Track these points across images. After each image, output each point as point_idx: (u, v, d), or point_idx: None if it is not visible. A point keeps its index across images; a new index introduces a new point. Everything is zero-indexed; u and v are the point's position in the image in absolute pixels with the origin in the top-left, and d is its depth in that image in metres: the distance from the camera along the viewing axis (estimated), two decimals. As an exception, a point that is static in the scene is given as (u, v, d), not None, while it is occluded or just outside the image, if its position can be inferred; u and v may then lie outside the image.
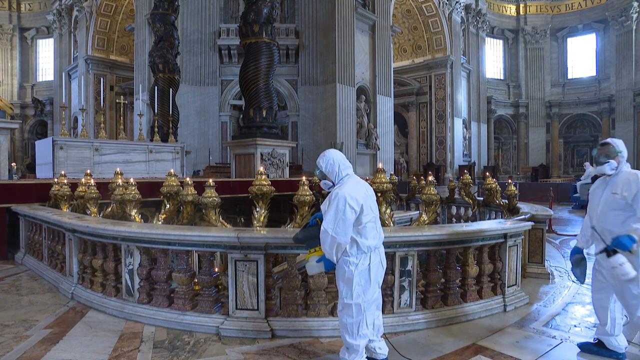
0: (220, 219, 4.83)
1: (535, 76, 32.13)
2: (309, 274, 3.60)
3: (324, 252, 2.87)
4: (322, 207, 2.87)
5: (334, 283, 3.93)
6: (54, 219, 5.42)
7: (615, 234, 2.88)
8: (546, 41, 32.01)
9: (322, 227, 2.79)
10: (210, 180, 4.86)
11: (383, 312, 3.86)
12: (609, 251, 2.86)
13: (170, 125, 12.53)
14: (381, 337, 3.13)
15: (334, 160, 2.92)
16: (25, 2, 30.55)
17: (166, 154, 10.92)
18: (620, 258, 2.78)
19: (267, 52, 12.06)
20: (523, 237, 4.86)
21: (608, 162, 3.02)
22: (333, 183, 2.93)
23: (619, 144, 3.05)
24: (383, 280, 3.92)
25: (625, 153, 3.04)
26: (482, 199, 7.52)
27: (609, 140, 3.10)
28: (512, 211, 6.28)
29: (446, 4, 25.94)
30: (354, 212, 2.73)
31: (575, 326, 3.89)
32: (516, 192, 6.58)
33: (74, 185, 6.67)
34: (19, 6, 30.43)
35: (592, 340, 3.32)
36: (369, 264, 2.83)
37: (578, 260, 3.17)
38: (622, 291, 2.99)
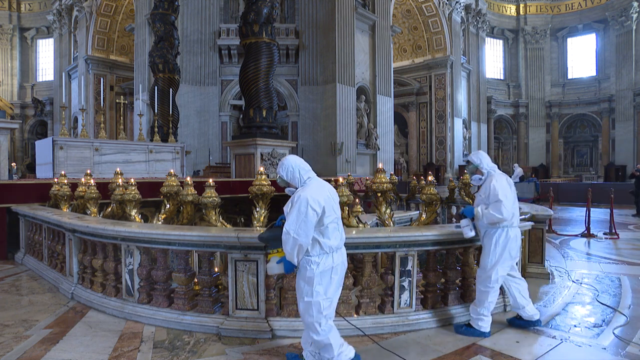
0: (220, 219, 4.83)
1: (535, 76, 32.13)
2: (269, 274, 3.59)
3: (285, 253, 2.87)
4: (284, 209, 2.88)
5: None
6: (54, 219, 5.42)
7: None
8: (546, 41, 32.01)
9: (284, 229, 2.80)
10: (210, 180, 4.85)
11: (383, 312, 3.88)
12: (460, 215, 3.92)
13: (170, 125, 12.53)
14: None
15: (293, 167, 2.95)
16: (25, 2, 30.56)
17: (166, 154, 10.92)
18: (463, 221, 3.78)
19: (267, 52, 12.07)
20: (523, 237, 4.86)
21: (472, 177, 3.96)
22: (296, 188, 2.95)
23: (473, 158, 3.90)
24: (383, 280, 3.96)
25: (480, 162, 3.86)
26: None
27: (468, 158, 4.01)
28: (512, 211, 6.27)
29: (446, 4, 25.94)
30: (316, 214, 2.75)
31: (575, 326, 3.89)
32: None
33: (74, 185, 6.67)
34: (19, 6, 30.43)
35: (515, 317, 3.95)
36: (332, 264, 2.86)
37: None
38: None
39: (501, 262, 3.67)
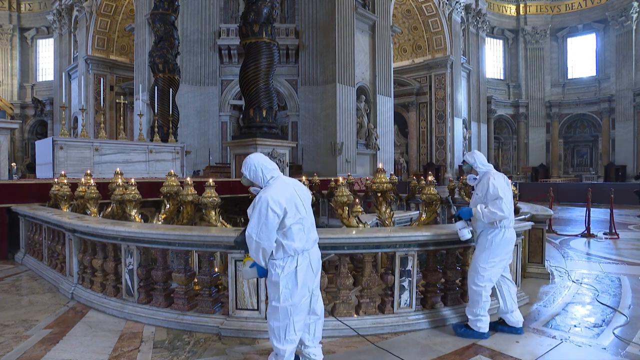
0: (220, 219, 4.83)
1: (535, 76, 32.13)
2: (245, 279, 3.55)
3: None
4: (248, 211, 2.79)
5: (333, 283, 3.94)
6: (54, 219, 5.42)
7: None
8: (546, 41, 32.01)
9: (246, 232, 2.73)
10: (210, 180, 4.85)
11: (383, 312, 3.87)
12: (455, 217, 3.75)
13: (170, 125, 12.53)
14: (319, 343, 3.05)
15: (255, 165, 2.86)
16: (25, 2, 30.56)
17: (166, 154, 10.92)
18: (459, 223, 3.69)
19: (267, 52, 12.06)
20: (523, 237, 4.86)
21: (468, 176, 3.94)
22: (261, 188, 2.86)
23: (468, 158, 3.84)
24: (383, 280, 3.95)
25: (475, 161, 3.81)
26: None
27: (464, 157, 3.97)
28: (512, 211, 6.27)
29: (446, 4, 25.94)
30: (277, 216, 2.65)
31: (575, 326, 3.89)
32: (516, 192, 6.57)
33: (74, 185, 6.67)
34: (19, 6, 30.44)
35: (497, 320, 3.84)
36: (296, 267, 2.74)
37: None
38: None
39: (497, 262, 3.62)
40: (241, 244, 2.89)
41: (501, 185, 3.61)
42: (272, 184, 2.81)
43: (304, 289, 2.78)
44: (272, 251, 2.74)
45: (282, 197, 2.70)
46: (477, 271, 3.65)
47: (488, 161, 3.91)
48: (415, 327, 3.82)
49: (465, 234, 3.66)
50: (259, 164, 2.86)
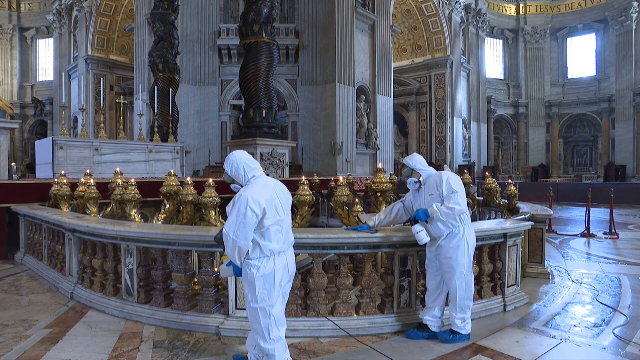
0: (220, 219, 4.83)
1: (535, 76, 32.13)
2: (222, 277, 3.53)
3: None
4: (227, 208, 2.78)
5: (333, 283, 3.94)
6: (54, 219, 5.42)
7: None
8: (546, 41, 32.01)
9: (224, 230, 2.72)
10: (210, 180, 4.86)
11: (383, 312, 3.88)
12: (411, 220, 3.57)
13: (170, 125, 12.53)
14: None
15: (238, 163, 2.83)
16: (25, 2, 30.55)
17: (166, 154, 10.92)
18: (417, 226, 3.49)
19: (267, 52, 12.07)
20: (523, 237, 4.86)
21: (409, 180, 3.75)
22: (242, 186, 2.85)
23: (409, 161, 3.70)
24: (383, 280, 3.95)
25: (416, 164, 3.69)
26: (482, 199, 7.52)
27: (403, 161, 3.79)
28: (512, 211, 6.28)
29: (446, 4, 25.94)
30: (255, 216, 2.64)
31: (575, 326, 3.89)
32: (516, 192, 6.58)
33: (74, 185, 6.67)
34: (19, 6, 30.43)
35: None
36: (273, 268, 2.73)
37: None
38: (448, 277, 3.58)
39: (470, 262, 3.57)
40: (220, 242, 2.88)
41: (455, 180, 3.50)
42: (253, 183, 2.80)
43: (279, 289, 2.79)
44: (249, 251, 2.73)
45: (262, 197, 2.69)
46: (463, 277, 3.52)
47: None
48: (415, 327, 3.81)
49: (424, 237, 3.46)
50: (242, 162, 2.84)
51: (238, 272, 2.82)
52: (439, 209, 3.42)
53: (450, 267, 3.53)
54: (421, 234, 3.46)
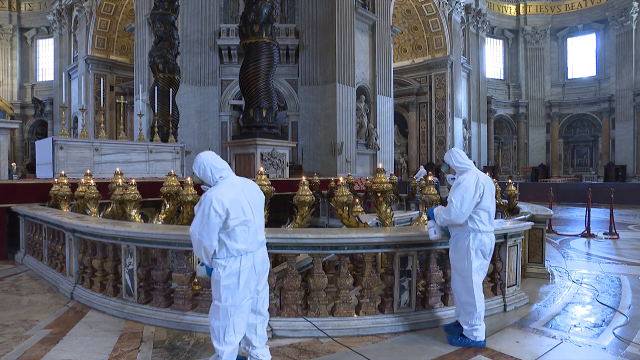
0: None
1: (535, 76, 32.13)
2: (197, 276, 3.57)
3: None
4: (195, 208, 2.81)
5: (334, 283, 3.94)
6: (54, 219, 5.42)
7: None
8: (546, 41, 32.01)
9: (190, 230, 2.76)
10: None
11: (383, 312, 3.87)
12: (427, 216, 3.71)
13: (170, 125, 12.53)
14: (266, 344, 3.06)
15: (204, 164, 2.84)
16: (25, 2, 30.55)
17: (166, 154, 10.92)
18: (429, 223, 3.65)
19: (267, 52, 12.07)
20: (523, 237, 4.86)
21: (447, 176, 3.77)
22: (210, 186, 2.87)
23: (445, 157, 3.67)
24: (383, 280, 3.95)
25: (451, 161, 3.62)
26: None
27: (444, 157, 3.73)
28: (512, 211, 6.28)
29: (446, 4, 25.94)
30: (219, 216, 2.66)
31: (575, 326, 3.88)
32: (516, 192, 6.58)
33: (74, 185, 6.67)
34: (19, 6, 30.43)
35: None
36: (239, 268, 2.74)
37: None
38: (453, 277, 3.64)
39: (479, 270, 3.46)
40: None
41: (462, 187, 3.36)
42: (220, 184, 2.82)
43: (245, 290, 2.78)
44: (216, 250, 2.75)
45: (226, 197, 2.70)
46: (465, 280, 3.46)
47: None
48: (415, 327, 3.82)
49: (431, 234, 3.59)
50: (208, 163, 2.85)
51: (209, 271, 2.84)
52: (436, 212, 3.51)
53: (453, 266, 3.59)
54: (430, 230, 3.61)
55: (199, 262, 3.04)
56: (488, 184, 3.49)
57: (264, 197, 3.05)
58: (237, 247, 2.74)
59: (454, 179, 3.58)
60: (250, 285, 2.81)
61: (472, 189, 3.36)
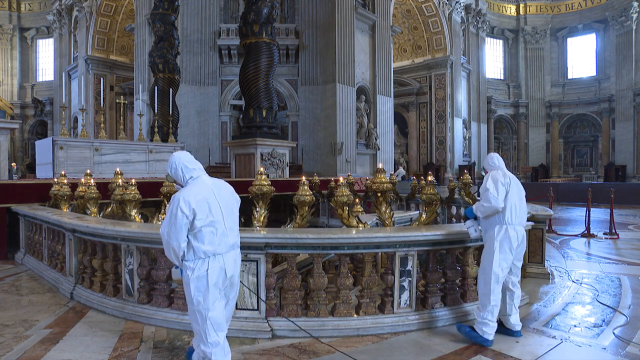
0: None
1: (535, 76, 32.12)
2: (173, 279, 3.55)
3: None
4: (167, 208, 2.82)
5: (333, 283, 3.94)
6: (54, 219, 5.42)
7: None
8: (546, 41, 32.00)
9: (160, 230, 2.75)
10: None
11: (383, 312, 3.88)
12: (464, 217, 4.01)
13: (170, 125, 12.54)
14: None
15: (176, 164, 2.85)
16: (25, 2, 30.54)
17: (166, 154, 10.92)
18: (467, 222, 3.88)
19: (267, 52, 12.07)
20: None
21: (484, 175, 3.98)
22: (182, 186, 2.87)
23: (483, 162, 4.07)
24: (383, 280, 3.95)
25: (485, 164, 3.94)
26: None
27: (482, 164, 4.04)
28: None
29: (446, 4, 25.94)
30: (185, 217, 2.64)
31: (575, 326, 3.89)
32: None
33: (74, 185, 6.67)
34: (19, 6, 30.42)
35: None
36: (207, 270, 2.70)
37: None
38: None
39: (500, 261, 3.55)
40: None
41: (493, 178, 3.63)
42: (190, 184, 2.81)
43: (215, 291, 2.74)
44: (184, 252, 2.73)
45: (193, 198, 2.68)
46: (484, 272, 3.62)
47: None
48: (415, 327, 3.82)
49: (472, 232, 3.81)
50: (180, 162, 2.86)
51: (181, 272, 2.81)
52: (475, 206, 3.73)
53: (481, 261, 3.75)
54: (470, 229, 3.83)
55: None
56: (514, 179, 3.78)
57: (238, 199, 3.02)
58: (204, 249, 2.70)
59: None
60: (219, 286, 2.77)
61: (501, 177, 3.66)
